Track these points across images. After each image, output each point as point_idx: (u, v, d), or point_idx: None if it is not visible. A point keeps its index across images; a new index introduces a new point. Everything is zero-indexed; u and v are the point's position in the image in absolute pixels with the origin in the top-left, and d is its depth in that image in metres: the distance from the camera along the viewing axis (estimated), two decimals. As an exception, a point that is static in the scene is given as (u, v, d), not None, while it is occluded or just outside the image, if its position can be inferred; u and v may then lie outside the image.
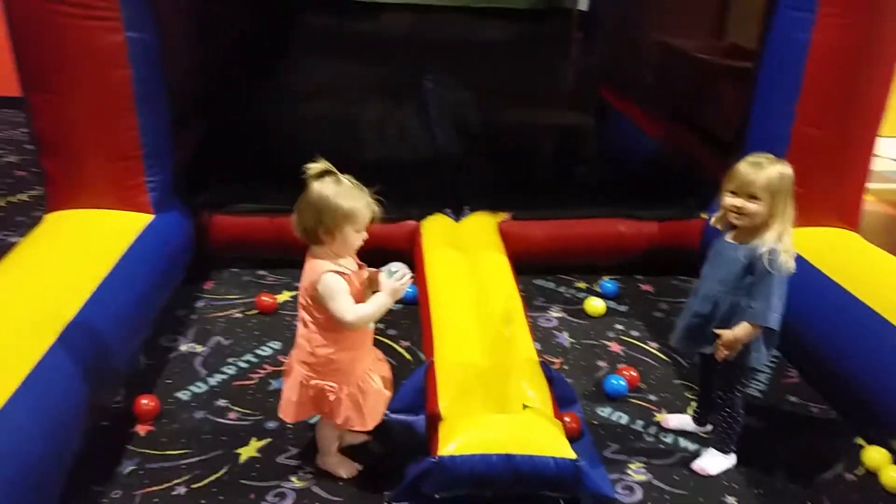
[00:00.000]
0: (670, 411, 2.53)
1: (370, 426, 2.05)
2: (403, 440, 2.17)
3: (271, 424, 2.34)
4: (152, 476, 2.11)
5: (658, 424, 2.47)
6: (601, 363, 2.81)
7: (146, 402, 2.34)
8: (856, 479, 2.28)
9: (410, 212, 3.38)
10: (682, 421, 2.47)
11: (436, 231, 3.30)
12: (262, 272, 3.34)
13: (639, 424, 2.47)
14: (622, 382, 2.59)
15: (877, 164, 3.33)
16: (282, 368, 2.42)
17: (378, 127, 4.74)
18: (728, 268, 2.10)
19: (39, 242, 2.64)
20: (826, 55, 2.82)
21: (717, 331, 2.10)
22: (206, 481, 2.11)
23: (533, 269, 3.41)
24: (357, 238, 1.92)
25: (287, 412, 2.05)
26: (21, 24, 2.62)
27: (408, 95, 5.10)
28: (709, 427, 2.40)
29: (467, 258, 3.02)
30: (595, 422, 2.47)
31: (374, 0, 6.18)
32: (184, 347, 2.76)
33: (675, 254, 3.43)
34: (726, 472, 2.26)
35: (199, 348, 2.75)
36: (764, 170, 2.03)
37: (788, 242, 2.03)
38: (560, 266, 3.50)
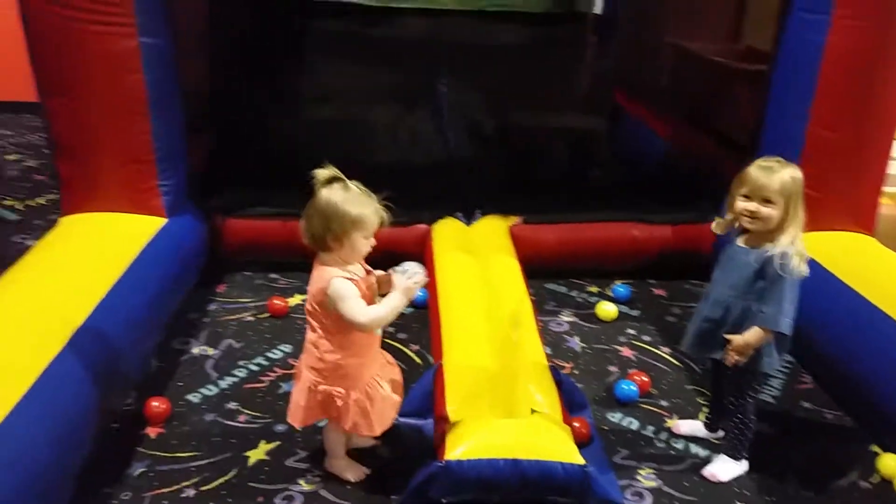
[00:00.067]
0: (682, 417, 2.51)
1: (378, 432, 2.05)
2: (412, 444, 2.16)
3: (280, 427, 2.35)
4: (162, 478, 2.13)
5: (669, 430, 2.45)
6: (612, 368, 2.79)
7: (157, 404, 2.36)
8: (871, 486, 2.25)
9: (421, 215, 3.38)
10: (693, 427, 2.44)
11: (447, 235, 3.30)
12: (274, 275, 3.36)
13: (649, 430, 2.46)
14: (633, 387, 2.58)
15: (892, 167, 3.28)
16: (292, 371, 2.43)
17: (391, 131, 4.76)
18: (739, 272, 2.08)
19: (53, 246, 2.67)
20: (841, 57, 2.79)
21: (728, 336, 2.08)
22: (214, 484, 2.12)
23: (545, 273, 3.40)
24: (365, 244, 1.92)
25: (295, 417, 2.05)
26: (37, 30, 2.65)
27: (422, 99, 5.11)
28: (720, 433, 2.38)
29: (478, 262, 3.01)
30: (605, 427, 2.46)
31: (389, 5, 6.20)
32: (195, 350, 2.77)
33: (689, 258, 3.40)
34: (737, 479, 2.23)
35: (210, 351, 2.77)
36: (777, 173, 2.01)
37: (801, 246, 2.01)
38: (572, 270, 3.49)
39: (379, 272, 2.02)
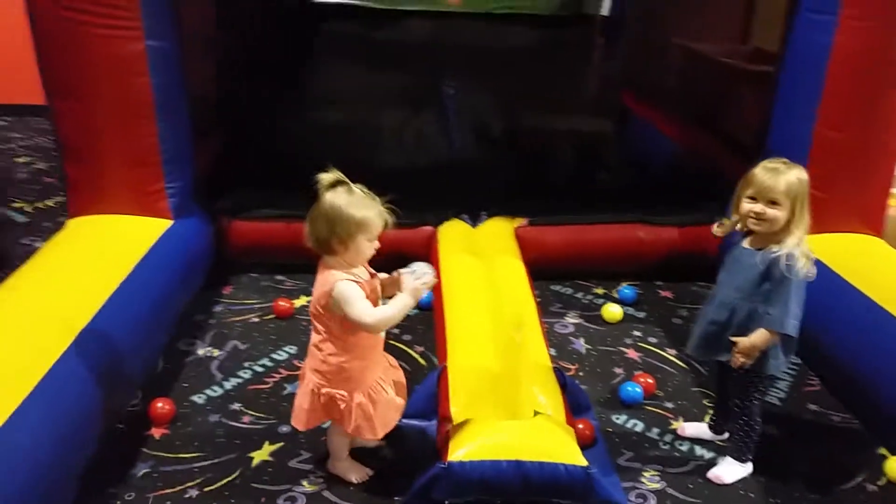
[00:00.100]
0: (687, 419, 2.50)
1: (380, 435, 2.05)
2: (415, 445, 2.16)
3: (284, 428, 2.35)
4: (165, 479, 2.13)
5: (674, 432, 2.44)
6: (617, 370, 2.78)
7: (161, 405, 2.37)
8: (878, 489, 2.23)
9: (427, 217, 3.38)
10: (698, 429, 2.43)
11: (452, 236, 3.29)
12: (280, 277, 3.37)
13: (654, 432, 2.44)
14: (638, 389, 2.57)
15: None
16: (297, 373, 2.43)
17: (397, 133, 4.76)
18: (745, 274, 2.07)
19: (60, 247, 2.68)
20: (848, 58, 2.78)
21: (734, 338, 2.07)
22: (218, 484, 2.12)
23: (550, 274, 3.39)
24: (369, 247, 1.92)
25: (299, 420, 2.06)
26: (45, 33, 2.67)
27: (428, 102, 5.12)
28: (726, 435, 2.36)
29: (483, 264, 3.01)
30: (610, 429, 2.45)
31: (397, 8, 6.21)
32: (201, 351, 2.78)
33: (696, 259, 3.38)
34: (742, 481, 2.22)
35: (215, 352, 2.78)
36: (783, 175, 2.00)
37: (807, 247, 2.00)
38: (578, 272, 3.48)
39: (383, 275, 2.02)
